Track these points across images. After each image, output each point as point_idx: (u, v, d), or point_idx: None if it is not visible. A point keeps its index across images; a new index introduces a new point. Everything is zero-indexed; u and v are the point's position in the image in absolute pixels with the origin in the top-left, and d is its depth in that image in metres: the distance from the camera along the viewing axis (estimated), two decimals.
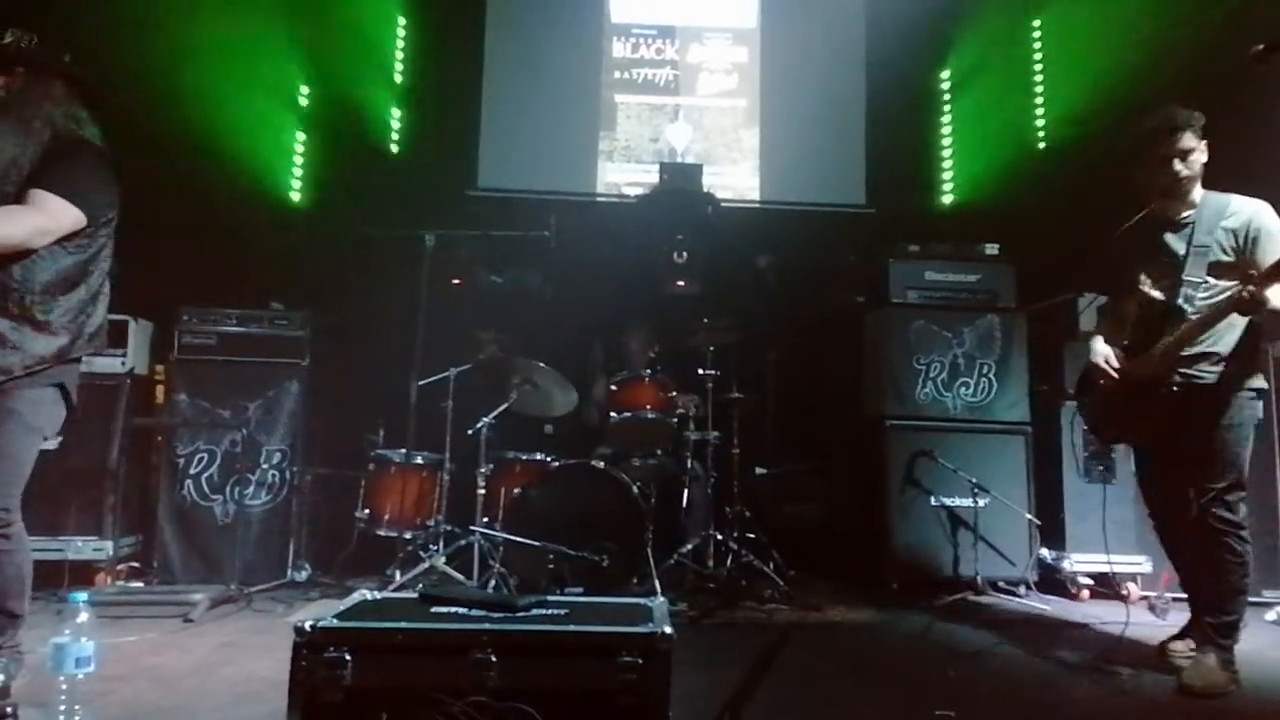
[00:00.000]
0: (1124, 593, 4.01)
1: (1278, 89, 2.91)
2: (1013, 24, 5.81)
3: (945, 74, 6.22)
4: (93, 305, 2.34)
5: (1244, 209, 2.63)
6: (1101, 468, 4.14)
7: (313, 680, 1.64)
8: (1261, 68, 2.14)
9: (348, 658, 1.61)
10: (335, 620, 1.69)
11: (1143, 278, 2.73)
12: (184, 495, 3.96)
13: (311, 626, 1.65)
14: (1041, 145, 5.67)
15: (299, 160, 5.56)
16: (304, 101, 5.61)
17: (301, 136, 5.59)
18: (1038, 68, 5.79)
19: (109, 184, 2.34)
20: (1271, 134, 2.35)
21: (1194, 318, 2.56)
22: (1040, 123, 5.70)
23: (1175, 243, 2.69)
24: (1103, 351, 2.81)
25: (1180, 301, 2.59)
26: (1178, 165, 2.62)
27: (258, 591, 3.66)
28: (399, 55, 5.96)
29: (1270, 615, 3.47)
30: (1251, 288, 2.36)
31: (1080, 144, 4.91)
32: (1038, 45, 5.80)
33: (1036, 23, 5.81)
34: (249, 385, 4.06)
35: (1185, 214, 2.69)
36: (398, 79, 5.92)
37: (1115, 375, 2.75)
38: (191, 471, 3.99)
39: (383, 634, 1.66)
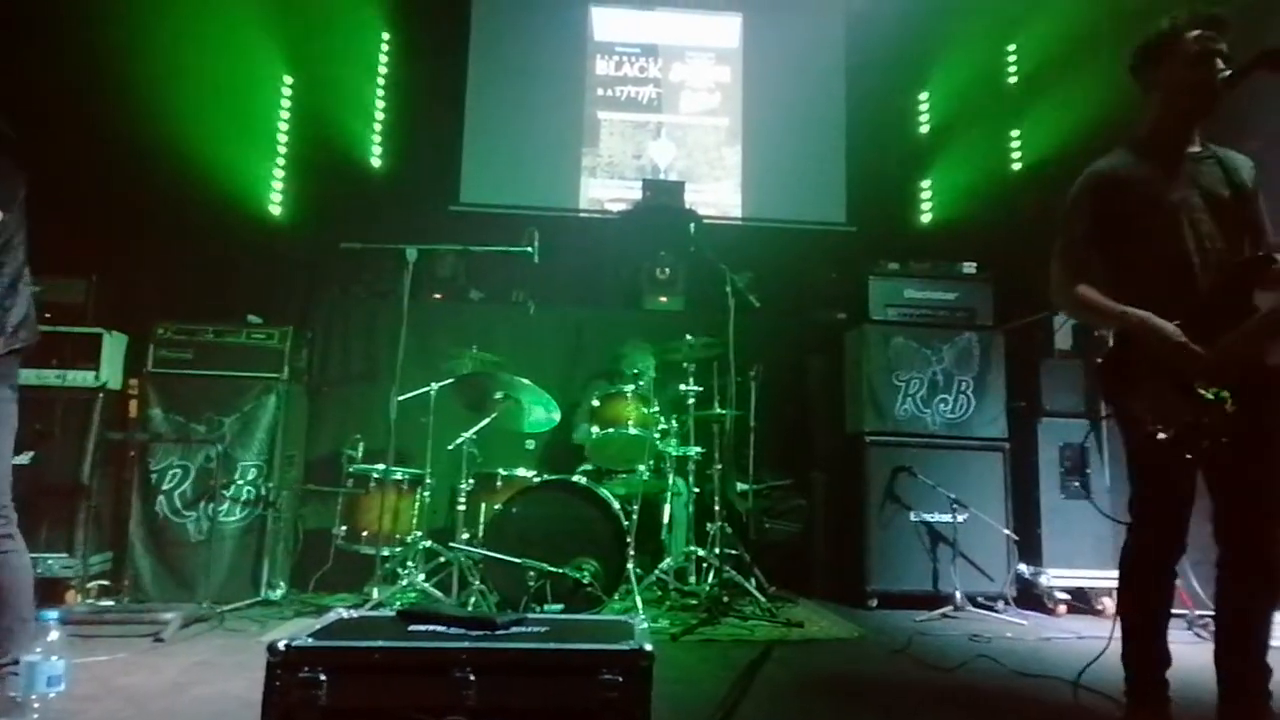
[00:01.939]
0: (1099, 608, 4.05)
1: (1245, 114, 2.97)
2: (990, 47, 5.93)
3: (924, 95, 6.32)
4: (10, 298, 2.25)
5: (1248, 162, 2.25)
6: (1078, 483, 4.20)
7: (287, 701, 1.61)
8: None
9: (323, 677, 1.59)
10: (310, 639, 1.67)
11: (1179, 222, 2.14)
12: (157, 511, 3.89)
13: (286, 646, 1.62)
14: (1016, 167, 5.77)
15: (279, 174, 5.53)
16: (285, 115, 5.60)
17: (282, 150, 5.56)
18: (1014, 90, 5.90)
19: (9, 174, 2.24)
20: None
21: None
22: (1016, 144, 5.81)
23: (1210, 180, 2.17)
24: (1166, 327, 2.04)
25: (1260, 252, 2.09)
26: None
27: (231, 610, 3.59)
28: (382, 70, 5.96)
29: None
30: None
31: (1055, 165, 5.01)
32: (1013, 69, 5.92)
33: (1012, 46, 5.93)
34: (225, 400, 4.01)
35: (1199, 149, 2.23)
36: (380, 94, 5.92)
37: (1198, 356, 2.00)
38: (164, 487, 3.92)
39: (359, 653, 1.63)
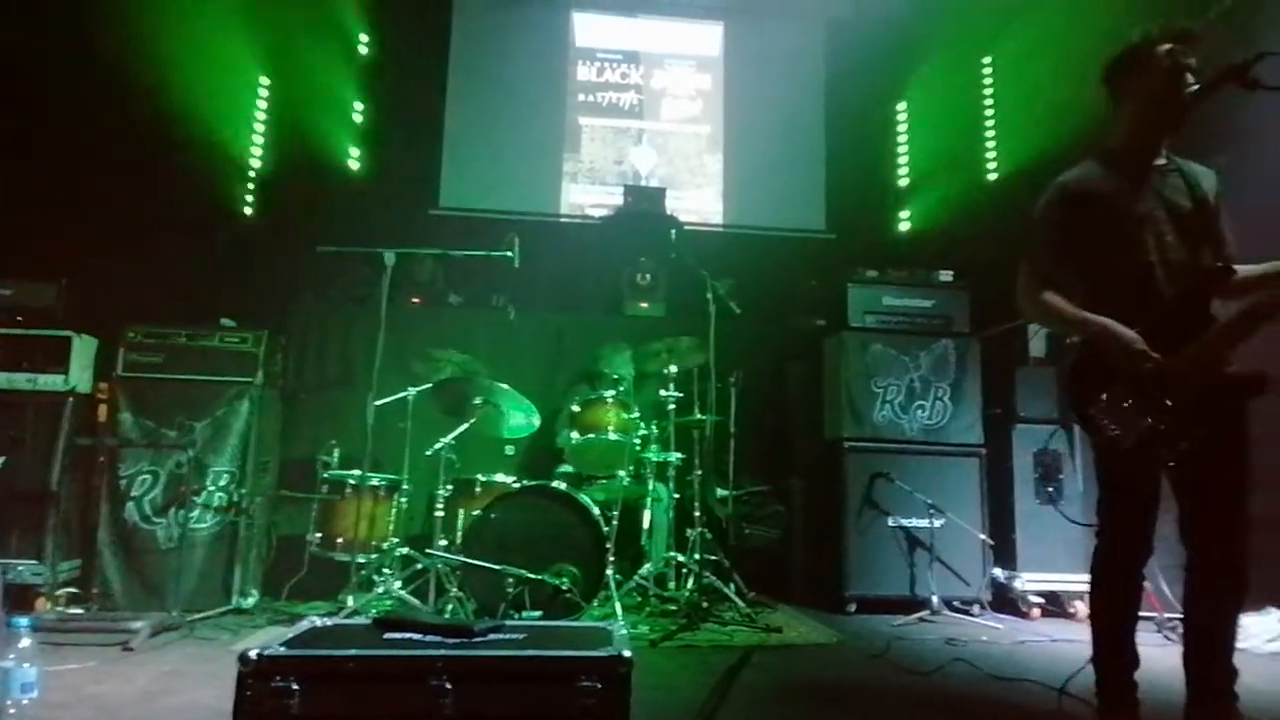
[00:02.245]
0: (1071, 611, 4.10)
1: (1211, 128, 3.02)
2: (965, 59, 6.01)
3: (902, 105, 6.40)
4: None
5: (1209, 174, 2.29)
6: (1051, 489, 4.25)
7: (259, 711, 1.58)
8: (1198, 107, 2.19)
9: (295, 687, 1.56)
10: (282, 648, 1.64)
11: (1145, 233, 2.18)
12: (126, 518, 3.81)
13: (257, 655, 1.59)
14: (992, 176, 5.85)
15: (254, 175, 5.47)
16: (261, 116, 5.54)
17: (258, 151, 5.51)
18: (989, 102, 5.99)
19: None
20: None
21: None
22: (991, 155, 5.89)
23: (1173, 192, 2.21)
24: (1128, 335, 2.08)
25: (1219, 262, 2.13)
26: (1193, 82, 2.12)
27: (202, 618, 3.53)
28: (360, 72, 5.92)
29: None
30: None
31: (1030, 175, 5.08)
32: (989, 80, 6.01)
33: (988, 59, 6.02)
34: (197, 404, 3.94)
35: (1163, 161, 2.26)
36: (359, 96, 5.88)
37: (1156, 364, 2.04)
38: (134, 493, 3.84)
39: (332, 661, 1.61)
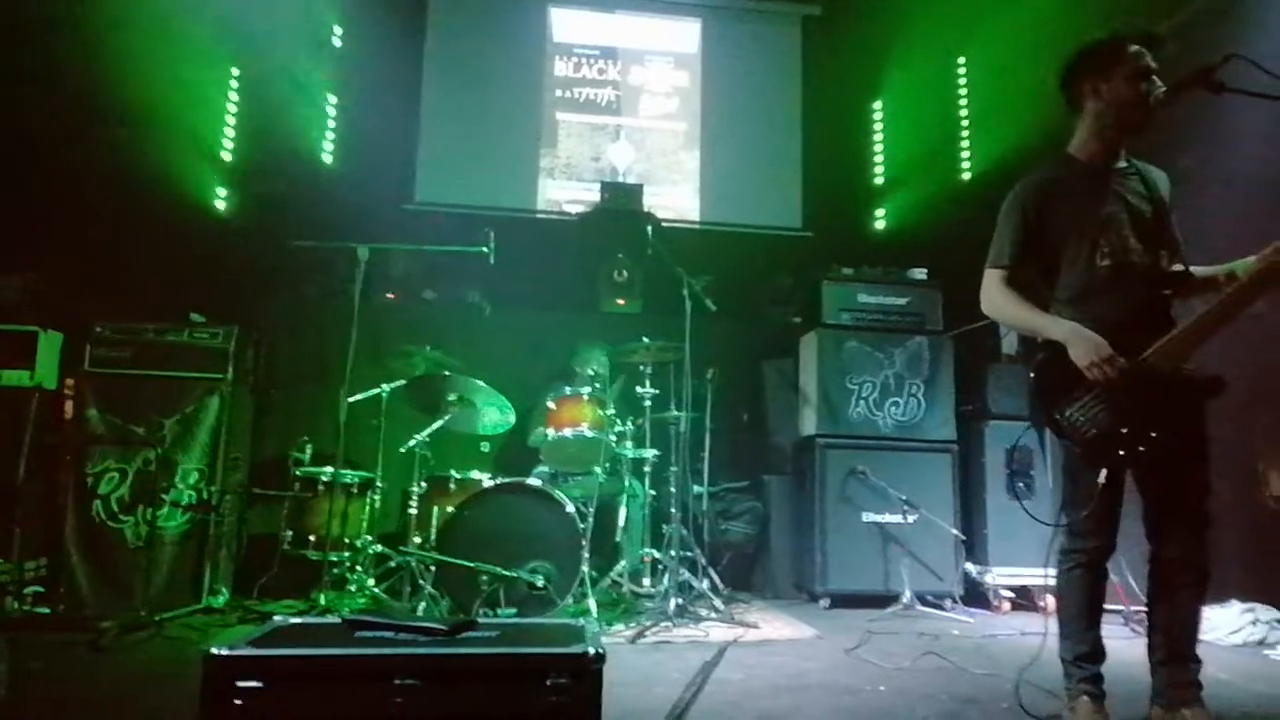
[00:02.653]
0: (1041, 604, 4.17)
1: (1175, 130, 3.07)
2: (940, 59, 6.06)
3: (878, 104, 6.44)
4: None
5: (1164, 177, 2.33)
6: (1022, 485, 4.31)
7: (226, 711, 1.56)
8: (1161, 110, 2.22)
9: (263, 686, 1.54)
10: (249, 647, 1.62)
11: (1106, 236, 2.22)
12: (93, 516, 3.75)
13: (224, 654, 1.57)
14: (966, 176, 5.91)
15: (226, 169, 5.38)
16: (233, 109, 5.45)
17: (229, 145, 5.42)
18: (963, 102, 6.05)
19: None
20: (1176, 174, 2.45)
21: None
22: (966, 154, 5.95)
23: (1134, 195, 2.26)
24: (1093, 338, 2.11)
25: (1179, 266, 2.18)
26: (1158, 85, 2.16)
27: (171, 617, 3.48)
28: (334, 65, 5.84)
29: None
30: None
31: (1002, 175, 5.14)
32: (963, 81, 6.07)
33: (962, 60, 6.08)
34: (165, 400, 3.88)
35: (1123, 164, 2.30)
36: (333, 89, 5.80)
37: (1122, 368, 2.08)
38: (101, 491, 3.78)
39: (300, 661, 1.59)
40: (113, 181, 4.52)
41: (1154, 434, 2.07)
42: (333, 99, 5.80)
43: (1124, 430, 2.08)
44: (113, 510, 3.78)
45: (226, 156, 5.40)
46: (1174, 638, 2.21)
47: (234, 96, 5.47)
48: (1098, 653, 2.24)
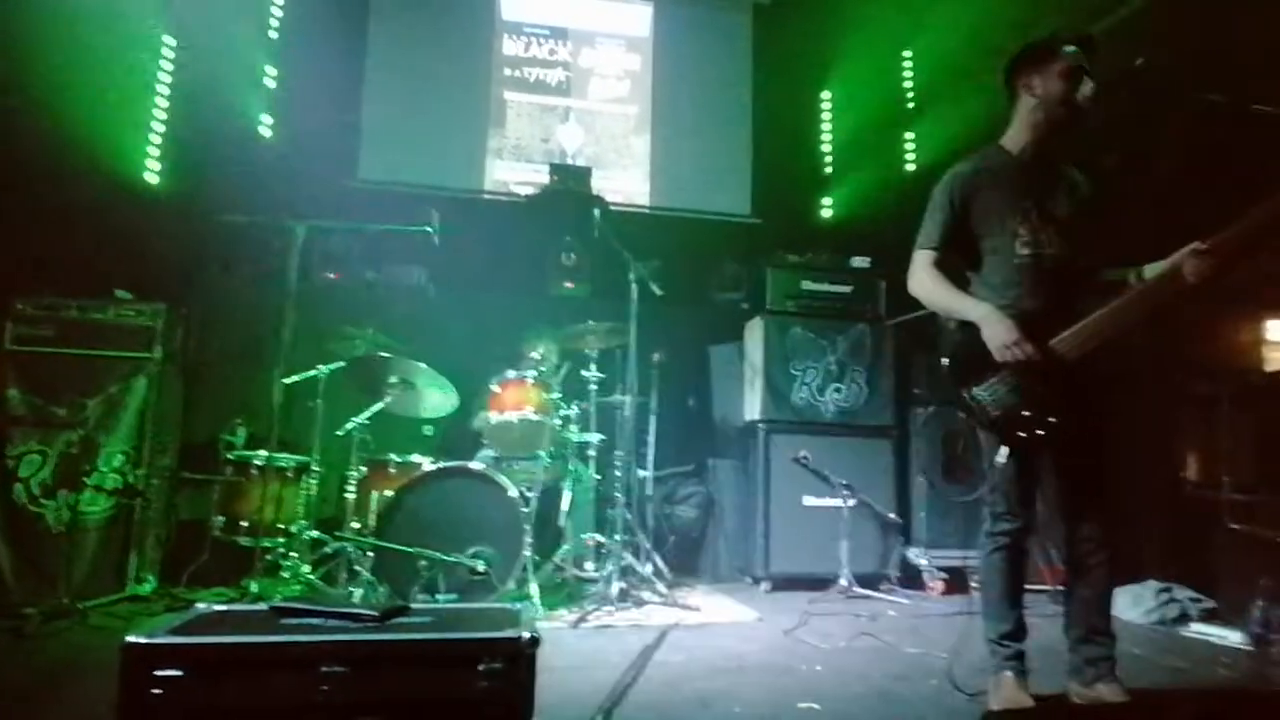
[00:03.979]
0: (973, 585, 4.29)
1: (1104, 131, 3.16)
2: (886, 52, 6.14)
3: (826, 94, 6.49)
4: None
5: (1083, 178, 2.44)
6: (956, 470, 4.43)
7: (144, 701, 1.51)
8: (1092, 110, 2.30)
9: (182, 675, 1.49)
10: (169, 635, 1.56)
11: (1027, 228, 2.30)
12: (14, 500, 3.60)
13: (141, 642, 1.51)
14: (910, 168, 6.01)
15: (157, 139, 5.14)
16: (165, 74, 5.21)
17: (161, 115, 5.18)
18: (908, 95, 6.14)
19: None
20: (1102, 172, 2.53)
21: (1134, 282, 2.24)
22: (910, 147, 6.05)
23: (1056, 191, 2.36)
24: (1005, 322, 2.21)
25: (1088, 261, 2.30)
26: (1088, 85, 2.24)
27: (95, 605, 3.36)
28: (273, 34, 5.62)
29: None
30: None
31: (945, 167, 5.24)
32: (909, 73, 6.15)
33: (908, 53, 6.16)
34: (89, 381, 3.73)
35: (1050, 160, 2.40)
36: (271, 57, 5.59)
37: (1029, 353, 2.17)
38: (22, 474, 3.63)
39: (222, 649, 1.54)
40: (34, 151, 4.28)
41: (1053, 419, 2.18)
42: (272, 70, 5.58)
43: (1026, 413, 2.19)
44: (34, 494, 3.63)
45: (158, 127, 5.16)
46: (1088, 615, 2.31)
47: (167, 66, 5.22)
48: (1020, 631, 2.32)
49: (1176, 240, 2.19)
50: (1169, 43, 3.38)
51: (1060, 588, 2.93)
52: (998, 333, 2.20)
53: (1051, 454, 2.32)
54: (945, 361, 2.34)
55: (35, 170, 4.29)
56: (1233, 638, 3.30)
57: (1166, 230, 2.27)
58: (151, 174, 5.09)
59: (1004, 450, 2.22)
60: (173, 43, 5.21)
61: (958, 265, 2.41)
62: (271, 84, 5.57)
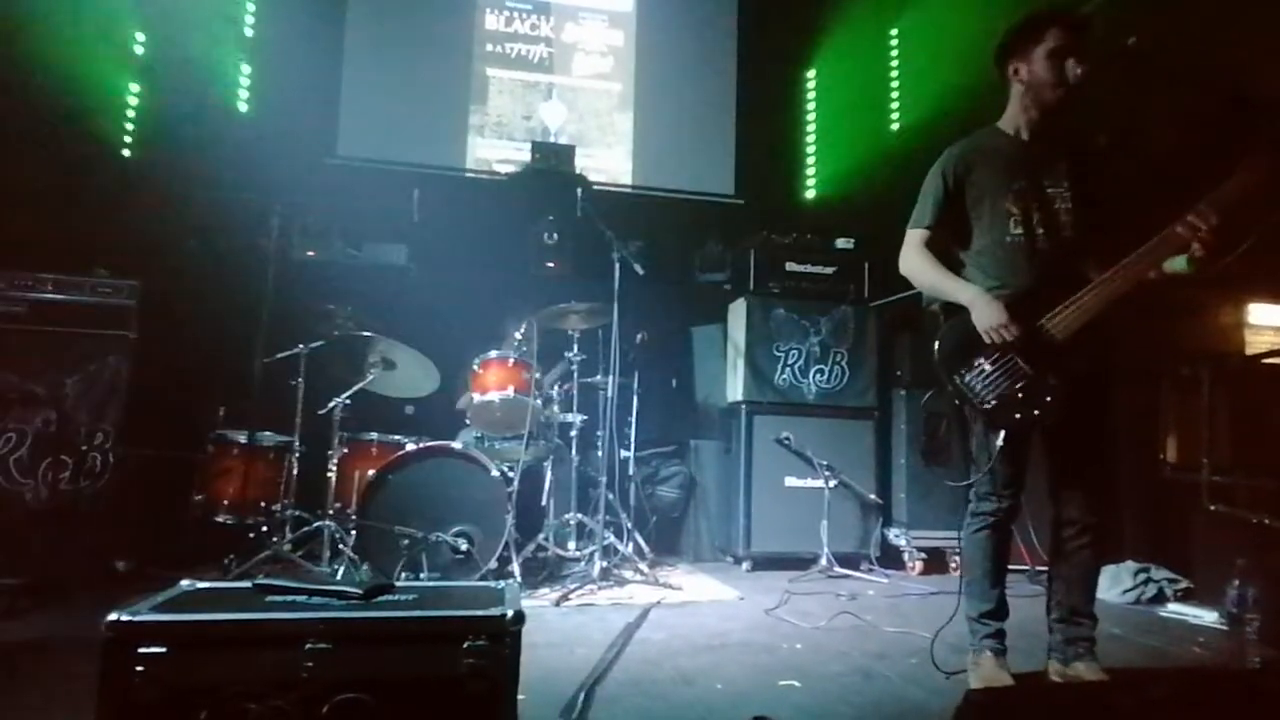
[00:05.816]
0: (952, 565, 4.37)
1: (1096, 111, 3.17)
2: (873, 31, 6.11)
3: (811, 74, 6.47)
4: None
5: (1080, 157, 2.39)
6: (938, 451, 4.48)
7: (126, 679, 1.50)
8: (1083, 90, 2.30)
9: (165, 652, 1.48)
10: (151, 612, 1.55)
11: (1019, 207, 2.30)
12: None
13: (124, 619, 1.51)
14: (894, 149, 6.01)
15: (132, 113, 5.04)
16: (140, 47, 5.09)
17: (136, 87, 5.07)
18: (894, 75, 6.13)
19: None
20: (1095, 151, 2.53)
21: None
22: (895, 128, 6.04)
23: (1050, 171, 2.33)
24: (995, 304, 2.21)
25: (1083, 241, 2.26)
26: (1077, 65, 2.22)
27: (75, 584, 3.33)
28: (251, 6, 5.51)
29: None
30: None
31: (930, 149, 5.24)
32: (895, 53, 6.14)
33: (894, 31, 6.14)
34: (66, 358, 3.68)
35: (1044, 140, 2.37)
36: (249, 29, 5.48)
37: (1017, 335, 2.18)
38: None
39: (205, 626, 1.54)
40: (8, 126, 4.18)
41: (1049, 399, 2.17)
42: (251, 44, 5.47)
43: (1019, 395, 2.18)
44: (11, 473, 3.58)
45: (133, 100, 5.06)
46: (1071, 596, 2.35)
47: (143, 39, 5.10)
48: (1001, 610, 2.35)
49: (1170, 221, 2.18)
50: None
51: (1040, 569, 2.97)
52: (986, 315, 2.20)
53: (1041, 435, 2.32)
54: (936, 347, 2.32)
55: (9, 146, 4.20)
56: (1208, 617, 3.38)
57: (1159, 209, 2.27)
58: (128, 149, 4.99)
59: (1001, 433, 2.22)
60: (149, 14, 5.09)
61: (950, 245, 2.41)
62: (250, 57, 5.46)
